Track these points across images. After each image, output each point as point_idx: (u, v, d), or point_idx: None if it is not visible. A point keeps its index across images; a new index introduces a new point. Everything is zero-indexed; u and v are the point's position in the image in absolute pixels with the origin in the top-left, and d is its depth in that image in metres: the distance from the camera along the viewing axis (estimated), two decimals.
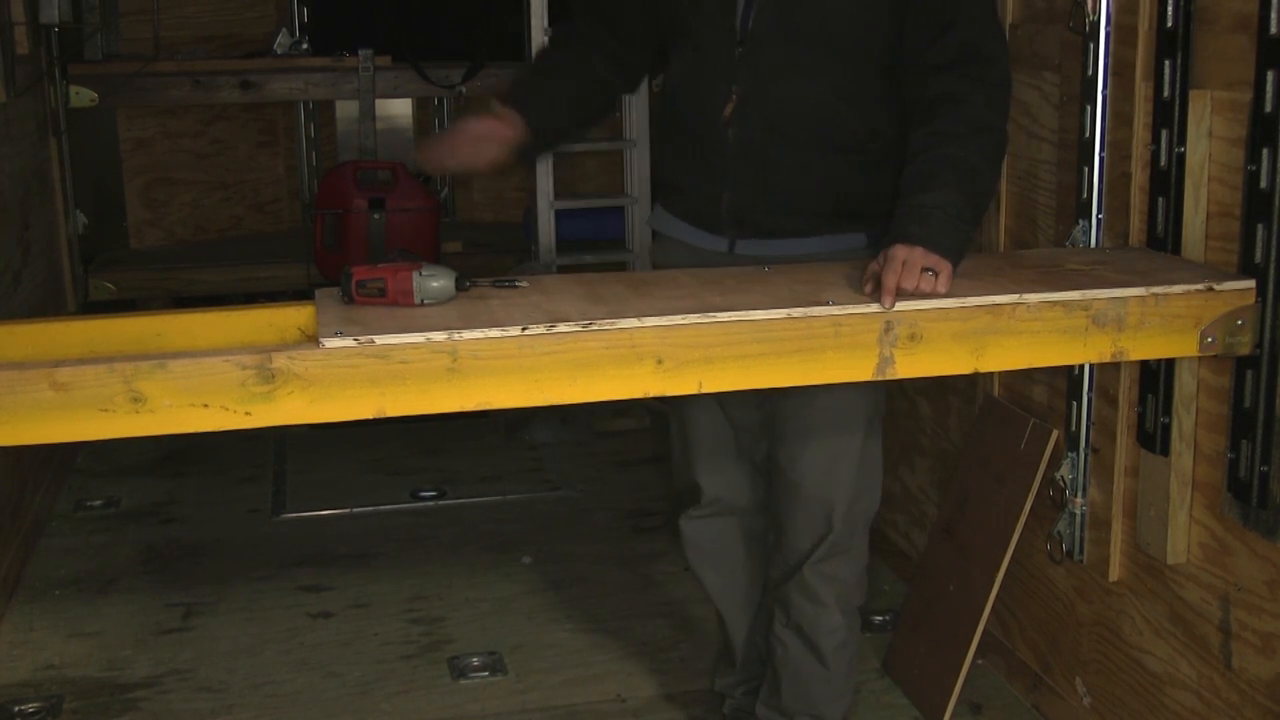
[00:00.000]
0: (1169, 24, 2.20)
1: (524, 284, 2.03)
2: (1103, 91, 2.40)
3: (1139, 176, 2.34)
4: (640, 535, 3.80)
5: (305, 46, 5.51)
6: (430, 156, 2.40)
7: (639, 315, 1.84)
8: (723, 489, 2.54)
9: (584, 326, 1.82)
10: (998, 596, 2.74)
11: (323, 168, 5.84)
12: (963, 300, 1.93)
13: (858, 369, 1.92)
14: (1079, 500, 2.58)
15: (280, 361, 1.74)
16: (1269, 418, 2.06)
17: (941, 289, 1.94)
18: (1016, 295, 1.94)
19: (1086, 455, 2.55)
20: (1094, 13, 2.38)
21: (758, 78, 2.22)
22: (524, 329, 1.80)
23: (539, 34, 4.44)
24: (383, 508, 4.04)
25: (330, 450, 4.48)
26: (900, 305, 1.90)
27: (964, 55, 2.12)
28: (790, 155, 2.23)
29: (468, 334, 1.79)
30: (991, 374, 2.87)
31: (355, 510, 4.02)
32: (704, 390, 1.88)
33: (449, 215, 6.10)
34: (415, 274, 1.91)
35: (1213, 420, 2.22)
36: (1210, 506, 2.25)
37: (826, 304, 1.90)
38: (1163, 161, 2.24)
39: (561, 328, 1.81)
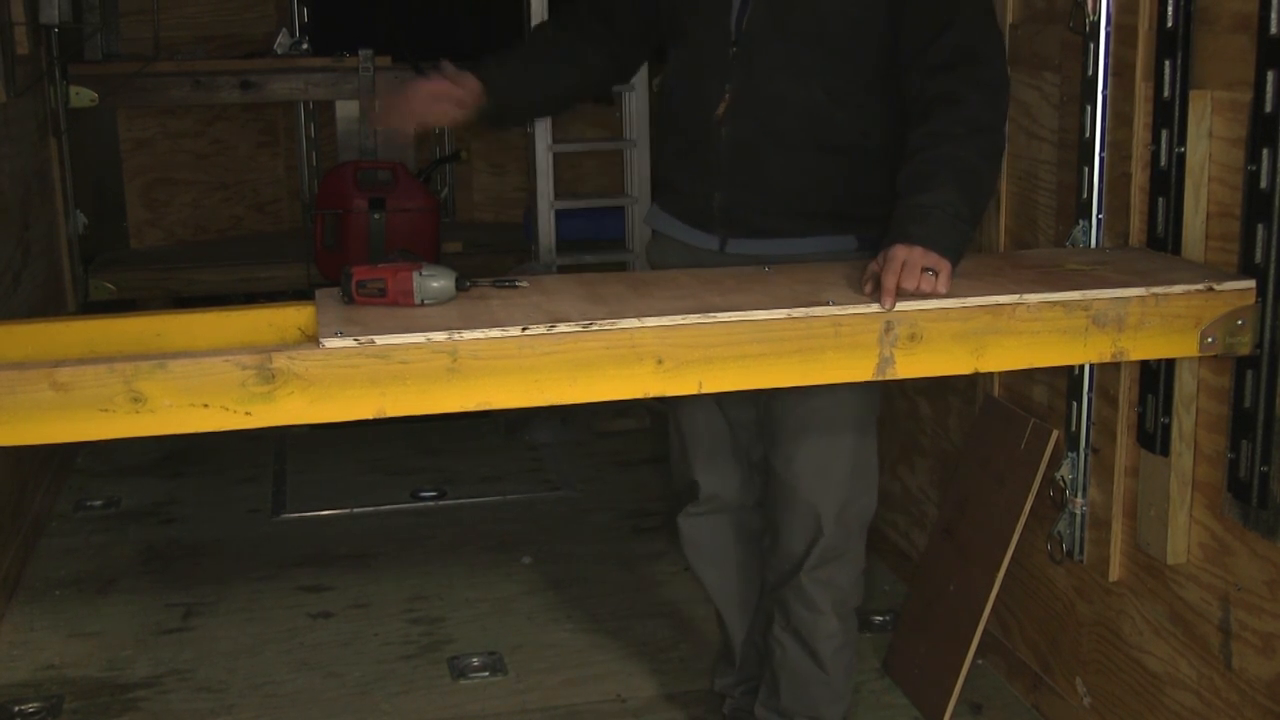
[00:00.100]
0: (1169, 24, 2.20)
1: (524, 284, 2.03)
2: (1103, 91, 2.40)
3: (1139, 176, 2.34)
4: (640, 535, 3.80)
5: (305, 46, 5.51)
6: (387, 115, 2.44)
7: (639, 315, 1.84)
8: (720, 486, 2.55)
9: (584, 327, 1.82)
10: (998, 596, 2.74)
11: (323, 168, 5.84)
12: (963, 300, 1.93)
13: (858, 369, 1.92)
14: (1079, 500, 2.58)
15: (280, 361, 1.74)
16: (1269, 418, 2.06)
17: (941, 289, 1.94)
18: (1017, 295, 1.94)
19: (1086, 455, 2.55)
20: (1094, 13, 2.38)
21: (751, 78, 2.23)
22: (524, 329, 1.80)
23: None
24: (383, 508, 4.04)
25: (330, 450, 4.48)
26: (900, 305, 1.90)
27: (961, 56, 2.12)
28: (781, 155, 2.24)
29: (468, 334, 1.79)
30: (991, 374, 2.87)
31: (355, 510, 4.02)
32: (704, 390, 1.88)
33: (449, 215, 6.10)
34: (415, 274, 1.91)
35: (1213, 420, 2.22)
36: (1210, 506, 2.25)
37: (827, 304, 1.90)
38: (1163, 161, 2.24)
39: (562, 328, 1.81)
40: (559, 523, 3.92)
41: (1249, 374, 2.08)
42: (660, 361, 1.85)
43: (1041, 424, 2.70)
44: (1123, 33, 2.35)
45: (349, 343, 1.77)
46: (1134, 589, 2.48)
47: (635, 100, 4.65)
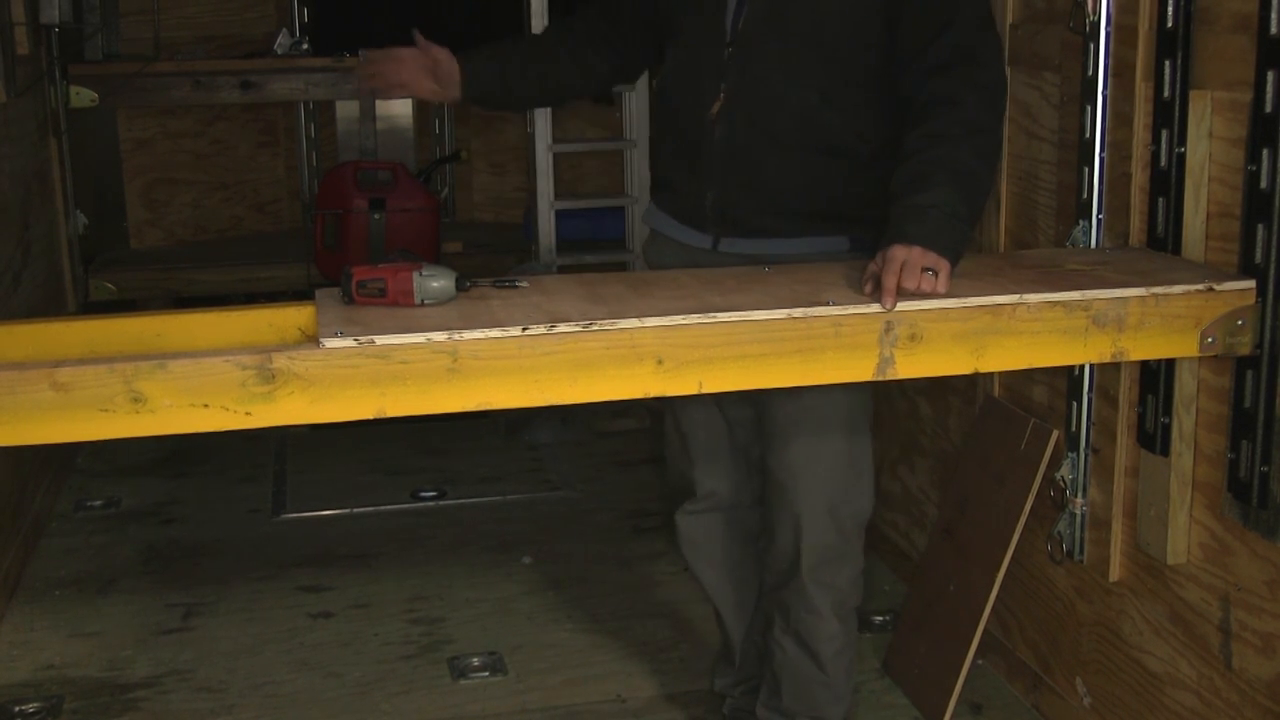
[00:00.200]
0: (1169, 24, 2.20)
1: (524, 284, 2.03)
2: (1103, 92, 2.40)
3: (1139, 177, 2.34)
4: (640, 535, 3.80)
5: (305, 46, 5.50)
6: (373, 78, 2.49)
7: (639, 315, 1.84)
8: (718, 484, 2.55)
9: (584, 327, 1.82)
10: (998, 597, 2.74)
11: (323, 168, 5.84)
12: (963, 300, 1.93)
13: (858, 369, 1.92)
14: (1079, 500, 2.58)
15: (280, 362, 1.74)
16: (1269, 418, 2.06)
17: (941, 288, 1.94)
18: (1017, 295, 1.94)
19: (1087, 455, 2.55)
20: (1094, 13, 2.38)
21: (745, 78, 2.23)
22: (524, 329, 1.80)
23: None
24: (383, 508, 4.04)
25: (330, 450, 4.48)
26: (900, 305, 1.90)
27: (960, 57, 2.13)
28: (774, 156, 2.24)
29: (468, 334, 1.79)
30: (991, 374, 2.87)
31: (355, 510, 4.02)
32: (704, 390, 1.88)
33: (449, 215, 6.10)
34: (415, 274, 1.91)
35: (1213, 420, 2.22)
36: (1210, 507, 2.25)
37: (827, 304, 1.90)
38: (1163, 162, 2.24)
39: (562, 328, 1.81)
40: (559, 523, 3.92)
41: (1249, 374, 2.08)
42: (660, 361, 1.85)
43: (1041, 424, 2.70)
44: (1123, 33, 2.36)
45: (349, 343, 1.77)
46: (1134, 589, 2.48)
47: (635, 100, 4.65)
